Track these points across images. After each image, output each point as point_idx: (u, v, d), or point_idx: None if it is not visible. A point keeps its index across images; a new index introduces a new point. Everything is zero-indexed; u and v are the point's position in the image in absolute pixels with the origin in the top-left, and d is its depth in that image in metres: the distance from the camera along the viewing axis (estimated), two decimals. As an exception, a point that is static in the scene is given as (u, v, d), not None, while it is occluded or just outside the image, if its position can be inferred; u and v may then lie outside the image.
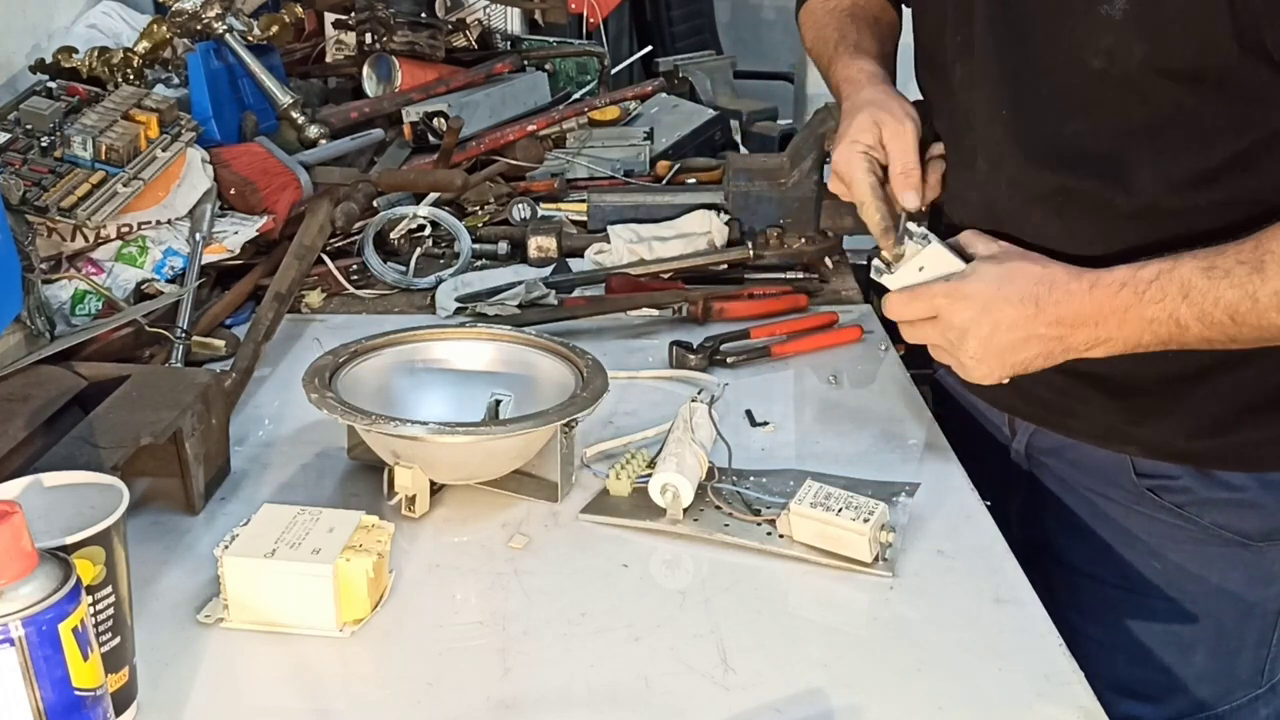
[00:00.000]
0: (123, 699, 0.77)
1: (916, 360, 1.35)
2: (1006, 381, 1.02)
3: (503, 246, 1.62)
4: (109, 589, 0.74)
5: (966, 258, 1.02)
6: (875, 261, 1.08)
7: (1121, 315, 0.95)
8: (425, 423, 0.97)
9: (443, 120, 1.83)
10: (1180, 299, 0.93)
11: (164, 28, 1.75)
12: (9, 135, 1.39)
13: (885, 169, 1.12)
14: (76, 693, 0.65)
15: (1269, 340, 0.95)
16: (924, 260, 1.03)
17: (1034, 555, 0.98)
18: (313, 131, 1.76)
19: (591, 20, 2.59)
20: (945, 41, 1.12)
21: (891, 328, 1.40)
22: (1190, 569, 1.14)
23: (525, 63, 2.20)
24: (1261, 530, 1.11)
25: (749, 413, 1.20)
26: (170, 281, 1.40)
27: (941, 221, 1.16)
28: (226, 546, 0.86)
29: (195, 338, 1.30)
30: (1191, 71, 0.94)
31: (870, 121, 1.12)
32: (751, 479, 1.06)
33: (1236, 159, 0.96)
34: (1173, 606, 1.15)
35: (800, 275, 1.54)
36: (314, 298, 1.48)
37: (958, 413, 1.26)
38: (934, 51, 1.16)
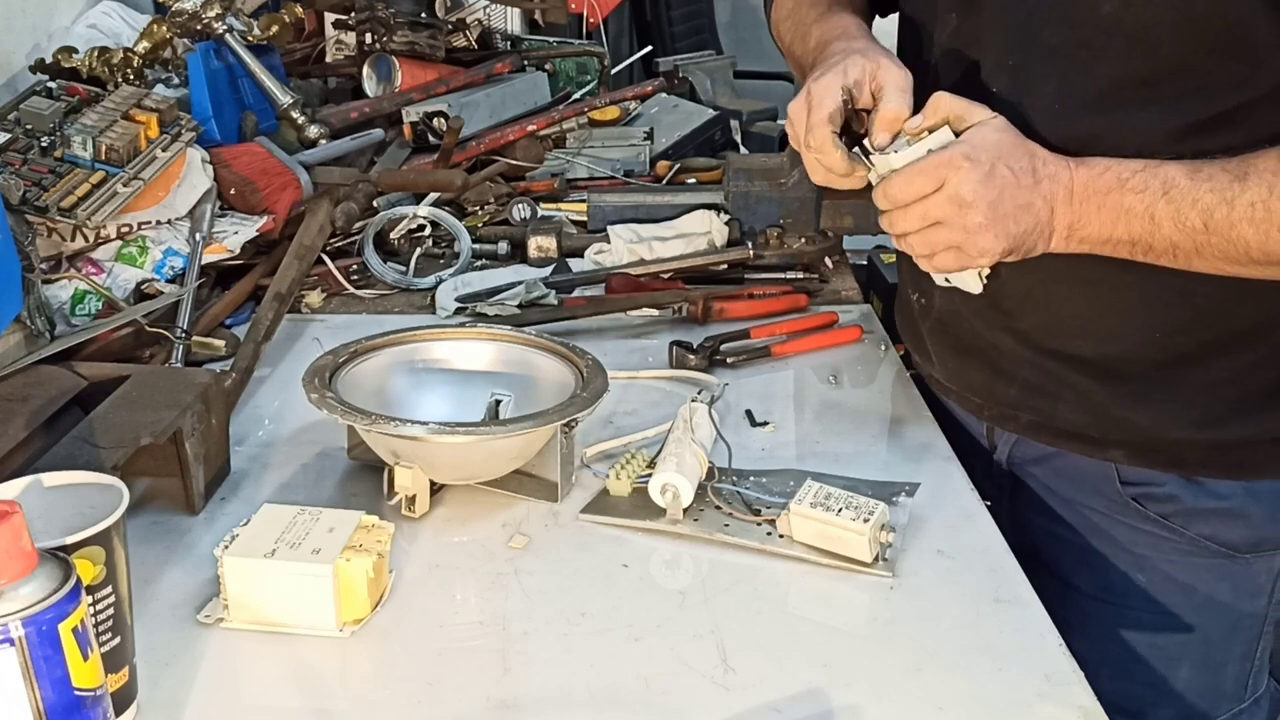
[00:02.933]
0: (123, 699, 0.77)
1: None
2: (1004, 256, 0.97)
3: (503, 246, 1.62)
4: (109, 589, 0.74)
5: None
6: (857, 151, 1.01)
7: (1101, 198, 0.94)
8: (425, 423, 0.97)
9: (443, 120, 1.83)
10: (1160, 194, 0.92)
11: (164, 28, 1.75)
12: (9, 135, 1.39)
13: (856, 113, 1.04)
14: (76, 693, 0.65)
15: (1231, 260, 0.93)
16: (931, 142, 0.97)
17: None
18: (313, 131, 1.76)
19: (591, 20, 2.60)
20: (937, 5, 1.11)
21: (891, 328, 1.41)
22: (1176, 581, 1.12)
23: (525, 63, 2.20)
24: (1248, 541, 1.10)
25: (749, 413, 1.20)
26: (170, 281, 1.40)
27: None
28: (226, 546, 0.86)
29: (195, 338, 1.30)
30: (1206, 21, 0.93)
31: (865, 60, 1.04)
32: (751, 479, 1.06)
33: (1231, 114, 0.96)
34: (1158, 619, 1.13)
35: (800, 275, 1.54)
36: (314, 298, 1.48)
37: (939, 415, 1.23)
38: (923, 6, 1.14)
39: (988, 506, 1.04)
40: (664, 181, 1.83)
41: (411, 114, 1.87)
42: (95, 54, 1.71)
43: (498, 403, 1.09)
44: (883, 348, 1.36)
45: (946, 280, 1.06)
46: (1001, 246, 0.95)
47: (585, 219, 1.70)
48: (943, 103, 0.98)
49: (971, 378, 1.19)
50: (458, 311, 1.43)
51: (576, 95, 2.19)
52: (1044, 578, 1.07)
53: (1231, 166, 0.92)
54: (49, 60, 1.74)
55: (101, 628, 0.74)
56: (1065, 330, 1.08)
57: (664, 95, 2.21)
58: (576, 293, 1.47)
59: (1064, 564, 1.16)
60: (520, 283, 1.45)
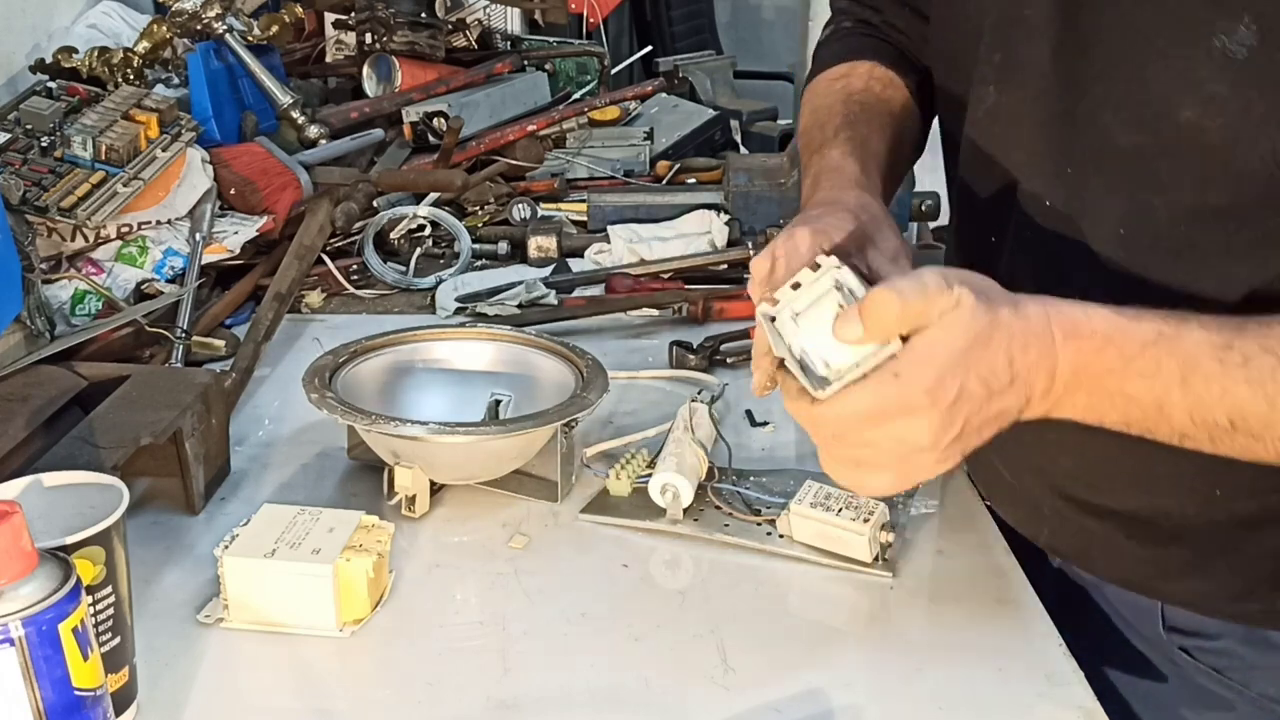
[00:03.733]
0: (123, 699, 0.77)
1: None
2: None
3: (503, 246, 1.62)
4: (109, 589, 0.74)
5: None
6: (764, 309, 0.75)
7: (1094, 383, 0.71)
8: (425, 423, 0.97)
9: (443, 120, 1.83)
10: (1177, 380, 0.70)
11: (164, 28, 1.75)
12: (9, 135, 1.39)
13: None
14: (76, 693, 0.65)
15: (1254, 456, 0.73)
16: (875, 356, 0.71)
17: None
18: (313, 131, 1.76)
19: (591, 20, 2.60)
20: (976, 58, 0.89)
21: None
22: None
23: (525, 63, 2.20)
24: None
25: (749, 413, 1.20)
26: (170, 281, 1.40)
27: None
28: (226, 546, 0.86)
29: (195, 338, 1.30)
30: None
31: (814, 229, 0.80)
32: (751, 479, 1.05)
33: None
34: None
35: (800, 275, 1.53)
36: (314, 298, 1.48)
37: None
38: (956, 73, 0.94)
39: (987, 506, 1.04)
40: (664, 181, 1.83)
41: (411, 114, 1.88)
42: (95, 54, 1.71)
43: (498, 403, 1.09)
44: (883, 348, 1.36)
45: None
46: (948, 469, 0.73)
47: (585, 219, 1.70)
48: (890, 311, 0.69)
49: (1006, 510, 1.01)
50: (458, 311, 1.43)
51: (576, 95, 2.19)
52: None
53: (1274, 343, 0.69)
54: (49, 60, 1.74)
55: (101, 628, 0.74)
56: (1101, 481, 0.90)
57: (664, 95, 2.21)
58: (576, 293, 1.47)
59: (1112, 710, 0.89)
60: (520, 283, 1.45)
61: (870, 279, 0.74)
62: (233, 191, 1.52)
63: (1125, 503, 0.88)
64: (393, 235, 1.65)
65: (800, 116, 1.07)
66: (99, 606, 0.73)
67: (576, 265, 1.57)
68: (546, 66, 2.23)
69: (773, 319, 0.74)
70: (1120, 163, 0.80)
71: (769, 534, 0.97)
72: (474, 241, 1.62)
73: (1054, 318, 0.71)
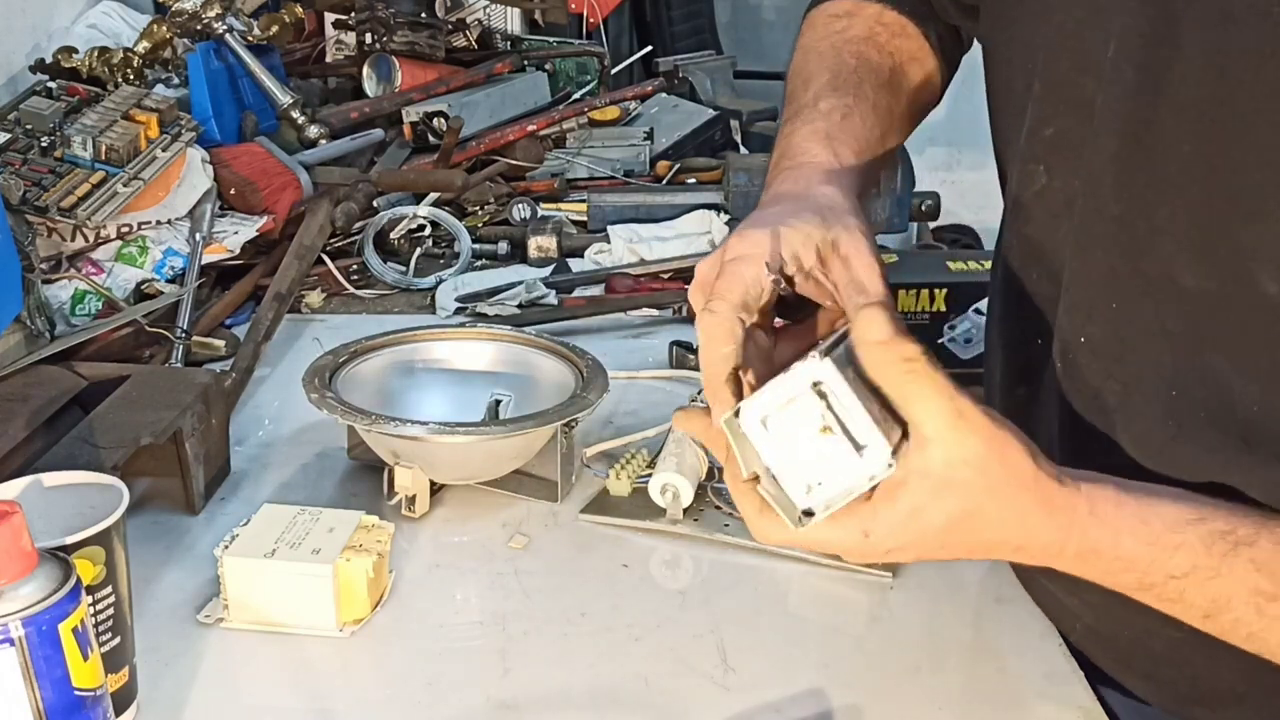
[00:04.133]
0: (123, 699, 0.77)
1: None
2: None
3: (503, 246, 1.62)
4: (109, 589, 0.74)
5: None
6: (726, 415, 0.62)
7: (1113, 591, 0.64)
8: (425, 423, 0.97)
9: (443, 120, 1.83)
10: (1198, 615, 0.62)
11: (164, 28, 1.75)
12: (9, 135, 1.39)
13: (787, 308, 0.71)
14: (76, 693, 0.65)
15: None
16: (855, 474, 0.60)
17: None
18: (313, 131, 1.76)
19: (591, 20, 2.60)
20: (1022, 123, 0.75)
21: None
22: None
23: (525, 63, 2.20)
24: None
25: (749, 413, 1.20)
26: (170, 281, 1.40)
27: None
28: (226, 546, 0.86)
29: (195, 338, 1.29)
30: None
31: (812, 220, 0.70)
32: (751, 479, 1.05)
33: None
34: None
35: (800, 275, 1.53)
36: (314, 298, 1.48)
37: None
38: (1003, 144, 0.80)
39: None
40: (664, 181, 1.83)
41: (411, 114, 1.88)
42: (95, 54, 1.71)
43: (498, 403, 1.09)
44: (883, 348, 1.35)
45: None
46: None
47: (585, 219, 1.70)
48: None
49: (1033, 594, 0.91)
50: (458, 311, 1.43)
51: (576, 95, 2.19)
52: None
53: None
54: (49, 60, 1.74)
55: (101, 628, 0.74)
56: (1135, 614, 0.70)
57: (664, 95, 2.21)
58: (576, 293, 1.47)
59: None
60: (520, 283, 1.45)
61: (858, 364, 0.61)
62: (233, 191, 1.52)
63: (1165, 632, 0.72)
64: (393, 235, 1.65)
65: (792, 55, 0.90)
66: (99, 606, 0.73)
67: (576, 265, 1.57)
68: (546, 66, 2.23)
69: (736, 414, 0.60)
70: (1178, 306, 0.65)
71: (769, 534, 0.97)
72: (474, 241, 1.62)
73: (1073, 537, 0.61)
